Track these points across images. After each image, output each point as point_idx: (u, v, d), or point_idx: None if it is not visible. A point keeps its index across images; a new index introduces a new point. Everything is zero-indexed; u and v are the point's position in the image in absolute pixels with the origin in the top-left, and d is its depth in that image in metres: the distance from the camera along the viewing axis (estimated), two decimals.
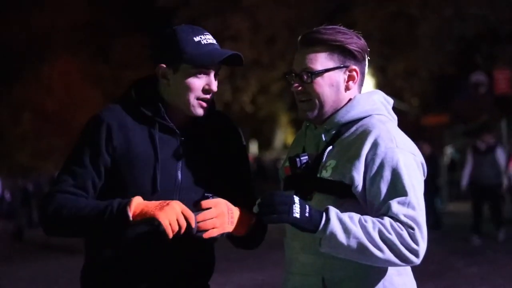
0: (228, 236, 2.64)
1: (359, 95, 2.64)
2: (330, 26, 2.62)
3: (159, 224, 2.47)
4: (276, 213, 2.38)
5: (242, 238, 2.70)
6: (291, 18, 24.71)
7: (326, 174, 2.53)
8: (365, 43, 2.64)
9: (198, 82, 2.66)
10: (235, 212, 2.61)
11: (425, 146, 14.47)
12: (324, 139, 2.61)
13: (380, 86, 22.96)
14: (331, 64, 2.58)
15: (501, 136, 18.37)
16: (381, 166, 2.47)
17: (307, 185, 2.58)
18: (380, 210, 2.45)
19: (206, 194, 2.59)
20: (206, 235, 2.54)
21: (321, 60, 2.58)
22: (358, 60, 2.62)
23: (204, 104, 2.68)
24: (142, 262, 2.66)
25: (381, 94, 2.70)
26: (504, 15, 21.23)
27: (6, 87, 33.50)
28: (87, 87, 34.07)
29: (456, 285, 9.21)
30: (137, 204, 2.53)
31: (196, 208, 2.55)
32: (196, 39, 2.66)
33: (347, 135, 2.58)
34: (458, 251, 12.09)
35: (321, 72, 2.58)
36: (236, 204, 2.64)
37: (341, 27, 2.63)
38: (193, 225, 2.52)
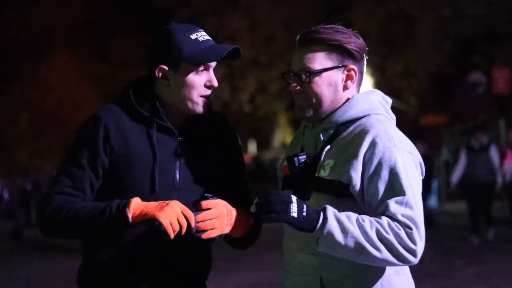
0: (225, 237, 2.64)
1: (357, 95, 2.63)
2: (329, 26, 2.62)
3: (160, 225, 2.47)
4: (273, 213, 2.38)
5: (239, 239, 2.70)
6: (289, 17, 24.74)
7: (324, 173, 2.53)
8: (364, 43, 2.64)
9: (199, 79, 2.66)
10: (234, 213, 2.61)
11: (420, 145, 14.50)
12: (322, 138, 2.61)
13: (379, 85, 23.00)
14: (329, 64, 2.58)
15: (500, 136, 18.38)
16: (379, 165, 2.47)
17: (305, 184, 2.57)
18: (378, 209, 2.45)
19: (206, 195, 2.59)
20: (204, 236, 2.54)
21: (319, 60, 2.58)
22: (357, 60, 2.61)
23: (206, 101, 2.68)
24: (139, 262, 2.65)
25: (379, 94, 2.70)
26: (502, 14, 21.24)
27: (4, 86, 33.47)
28: (85, 86, 34.04)
29: (453, 284, 9.22)
30: (136, 205, 2.52)
31: (196, 208, 2.55)
32: (193, 37, 2.66)
33: (345, 135, 2.58)
34: (456, 251, 12.10)
35: (319, 72, 2.57)
36: (233, 204, 2.64)
37: (340, 27, 2.63)
38: (193, 224, 2.51)
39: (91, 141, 2.64)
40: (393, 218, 2.42)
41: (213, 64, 2.69)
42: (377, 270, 2.52)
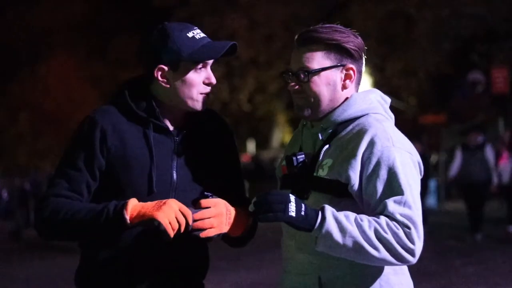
0: (223, 236, 2.64)
1: (356, 94, 2.63)
2: (327, 25, 2.62)
3: (159, 225, 2.46)
4: (271, 212, 2.38)
5: (237, 239, 2.70)
6: (288, 17, 24.73)
7: (322, 173, 2.53)
8: (362, 42, 2.64)
9: (199, 77, 2.66)
10: (233, 213, 2.61)
11: (416, 145, 14.51)
12: (320, 138, 2.61)
13: (378, 85, 22.96)
14: (327, 63, 2.58)
15: (499, 135, 18.37)
16: (378, 165, 2.47)
17: (303, 184, 2.57)
18: (376, 209, 2.45)
19: (205, 193, 2.59)
20: (203, 235, 2.54)
21: (318, 59, 2.57)
22: (355, 59, 2.61)
23: (205, 98, 2.69)
24: (137, 262, 2.65)
25: (378, 93, 2.70)
26: (501, 14, 21.24)
27: (4, 86, 33.45)
28: (84, 86, 34.00)
29: (452, 284, 9.22)
30: (133, 206, 2.52)
31: (195, 206, 2.55)
32: (190, 35, 2.66)
33: (344, 134, 2.58)
34: (455, 250, 12.10)
35: (318, 71, 2.57)
36: (232, 204, 2.63)
37: (338, 26, 2.62)
38: (190, 222, 2.51)
39: (88, 142, 2.64)
40: (391, 217, 2.42)
41: (211, 61, 2.69)
42: (376, 269, 2.52)
